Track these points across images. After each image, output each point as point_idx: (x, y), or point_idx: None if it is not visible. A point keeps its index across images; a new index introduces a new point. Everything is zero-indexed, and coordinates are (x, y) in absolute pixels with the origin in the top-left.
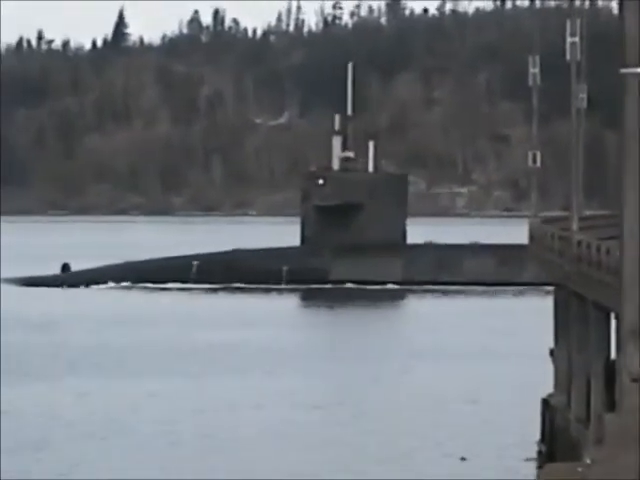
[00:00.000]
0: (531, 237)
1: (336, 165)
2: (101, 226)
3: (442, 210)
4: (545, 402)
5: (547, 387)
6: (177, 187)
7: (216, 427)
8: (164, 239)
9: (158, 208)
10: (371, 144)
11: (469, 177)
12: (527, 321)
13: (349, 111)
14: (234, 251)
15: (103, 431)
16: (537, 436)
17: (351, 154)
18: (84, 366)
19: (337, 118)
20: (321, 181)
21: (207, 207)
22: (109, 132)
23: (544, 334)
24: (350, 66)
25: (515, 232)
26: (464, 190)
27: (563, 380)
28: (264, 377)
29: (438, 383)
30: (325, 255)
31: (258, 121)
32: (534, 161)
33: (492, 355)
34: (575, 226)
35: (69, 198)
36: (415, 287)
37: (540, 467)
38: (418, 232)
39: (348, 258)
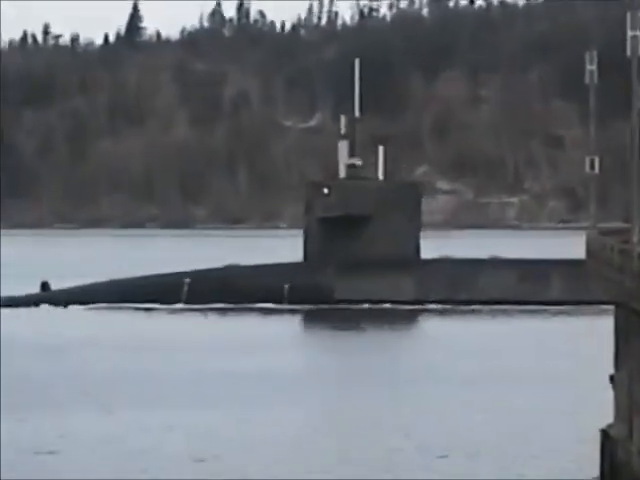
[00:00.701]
0: (588, 251)
1: (342, 173)
2: (113, 240)
3: (491, 222)
4: (604, 433)
5: (605, 417)
6: (198, 197)
7: (228, 467)
8: (182, 254)
9: (177, 220)
10: (381, 149)
11: (520, 185)
12: (563, 343)
13: (357, 112)
14: (229, 267)
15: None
16: (596, 471)
17: (358, 161)
18: (74, 399)
19: (343, 120)
20: (326, 190)
21: (232, 219)
22: (122, 136)
23: (585, 357)
24: (357, 62)
25: (571, 245)
26: (515, 200)
27: (624, 409)
28: (267, 408)
29: (471, 414)
30: (330, 272)
31: (287, 124)
32: (592, 167)
33: (532, 381)
34: (637, 238)
35: (78, 209)
36: (429, 307)
37: None
38: (462, 245)
39: (355, 275)
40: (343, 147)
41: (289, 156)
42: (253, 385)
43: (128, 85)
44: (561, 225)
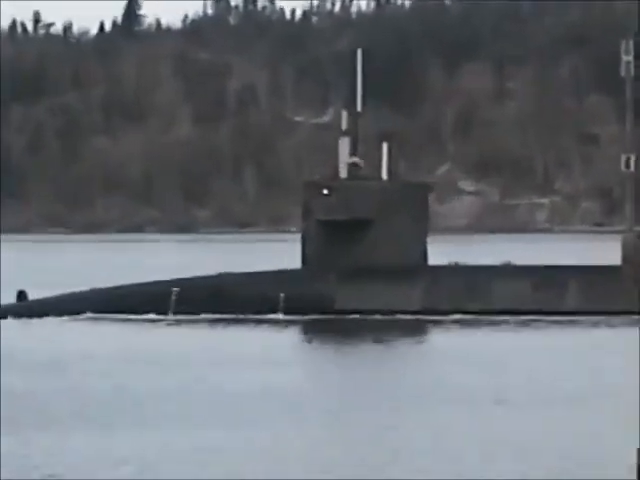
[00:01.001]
0: (624, 256)
1: (343, 172)
2: (108, 246)
3: (519, 225)
4: None
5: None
6: (201, 199)
7: None
8: (182, 260)
9: (179, 224)
10: (385, 146)
11: (551, 186)
12: (586, 357)
13: (358, 107)
14: (221, 276)
15: None
16: None
17: (359, 160)
18: (73, 418)
19: (344, 115)
20: (325, 191)
21: (238, 223)
22: (119, 134)
23: (610, 371)
24: (359, 52)
25: (605, 250)
26: (545, 201)
27: None
28: (265, 430)
29: (492, 436)
30: (330, 280)
31: (298, 119)
32: (628, 165)
33: (556, 399)
34: None
35: (72, 213)
36: (437, 317)
37: None
38: (483, 251)
39: (357, 283)
40: (344, 144)
41: (300, 155)
42: (250, 404)
43: (125, 78)
44: (596, 228)
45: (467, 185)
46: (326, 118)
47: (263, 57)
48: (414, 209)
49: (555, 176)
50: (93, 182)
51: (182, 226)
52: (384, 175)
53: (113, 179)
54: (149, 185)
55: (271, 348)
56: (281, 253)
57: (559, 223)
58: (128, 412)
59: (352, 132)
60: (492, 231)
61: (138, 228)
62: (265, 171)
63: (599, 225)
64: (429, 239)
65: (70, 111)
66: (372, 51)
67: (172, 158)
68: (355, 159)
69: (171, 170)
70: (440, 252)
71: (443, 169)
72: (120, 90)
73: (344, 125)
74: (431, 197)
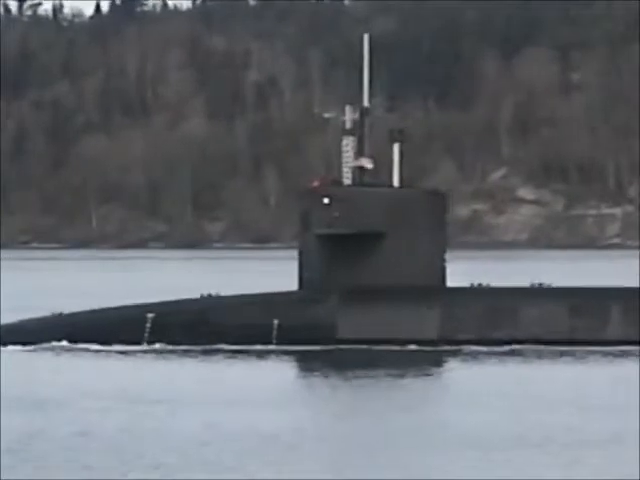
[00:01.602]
0: None
1: (348, 178)
2: (105, 265)
3: (586, 240)
4: None
5: None
6: (215, 210)
7: None
8: (184, 282)
9: (188, 239)
10: (396, 147)
11: (624, 194)
12: (623, 396)
13: (365, 101)
14: (204, 299)
15: None
16: None
17: (368, 163)
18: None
19: (348, 111)
20: (326, 200)
21: (256, 237)
22: (119, 132)
23: None
24: (366, 38)
25: None
26: (617, 211)
27: None
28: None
29: None
30: (331, 303)
31: (327, 115)
32: None
33: (586, 443)
34: None
35: (63, 225)
36: (457, 348)
37: None
38: (548, 270)
39: (363, 308)
40: (348, 145)
41: (329, 157)
42: (239, 452)
43: (126, 68)
44: None
45: (526, 193)
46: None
47: (287, 43)
48: (431, 221)
49: (628, 182)
50: (87, 190)
51: (191, 241)
52: (395, 181)
53: (111, 186)
54: (153, 193)
55: (261, 385)
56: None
57: (632, 237)
58: (115, 457)
59: (358, 131)
60: (554, 246)
61: (140, 244)
62: (288, 176)
63: None
64: (478, 255)
65: (60, 106)
66: (415, 37)
67: (180, 161)
68: (362, 161)
69: (179, 175)
70: (485, 271)
71: (498, 174)
72: (119, 81)
73: (347, 123)
74: (485, 207)
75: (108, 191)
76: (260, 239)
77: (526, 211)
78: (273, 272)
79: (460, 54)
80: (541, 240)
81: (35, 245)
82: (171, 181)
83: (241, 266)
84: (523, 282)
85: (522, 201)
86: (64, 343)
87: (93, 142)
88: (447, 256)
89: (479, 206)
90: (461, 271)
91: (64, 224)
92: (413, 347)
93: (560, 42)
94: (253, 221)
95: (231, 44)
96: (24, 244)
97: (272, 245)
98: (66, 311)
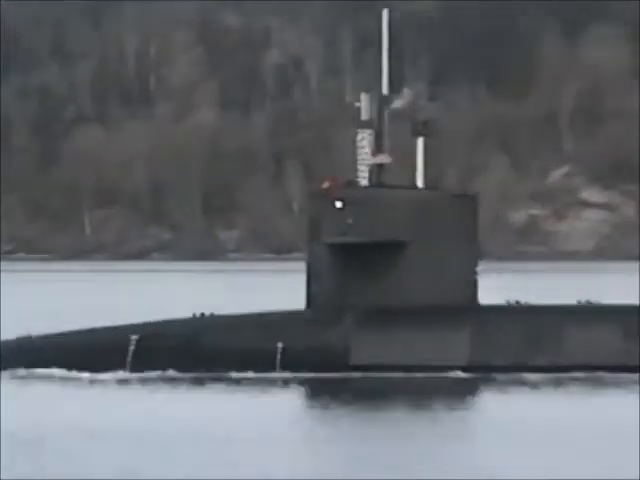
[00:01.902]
0: None
1: (364, 178)
2: (99, 278)
3: None
4: None
5: None
6: (229, 214)
7: None
8: (185, 299)
9: (198, 248)
10: (420, 142)
11: None
12: None
13: (384, 89)
14: (197, 319)
15: None
16: None
17: (387, 158)
18: None
19: (364, 99)
20: (339, 204)
21: (278, 247)
22: (116, 125)
23: None
24: (385, 14)
25: None
26: None
27: None
28: None
29: None
30: (344, 324)
31: (359, 105)
32: None
33: None
34: None
35: (52, 233)
36: (490, 375)
37: None
38: (615, 285)
39: (381, 330)
40: (364, 139)
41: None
42: None
43: (125, 49)
44: None
45: (592, 195)
46: (399, 103)
47: (313, 21)
48: (460, 228)
49: None
50: (80, 191)
51: (201, 252)
52: (419, 182)
53: (108, 187)
54: (157, 196)
55: (264, 419)
56: None
57: None
58: None
59: (376, 123)
60: (625, 257)
61: (142, 254)
62: (314, 175)
63: None
64: (534, 268)
65: (48, 94)
66: (463, 14)
67: (189, 158)
68: (381, 158)
69: (187, 174)
70: (538, 287)
71: (560, 172)
72: (118, 65)
73: (364, 113)
74: (544, 211)
75: (104, 193)
76: (281, 249)
77: (592, 216)
78: (294, 288)
79: (515, 35)
80: (609, 250)
81: (20, 256)
82: (178, 181)
83: (258, 281)
84: (571, 300)
85: (587, 205)
86: (33, 371)
87: (87, 136)
88: (482, 268)
89: (537, 210)
90: (510, 286)
91: (53, 231)
92: (439, 375)
93: (633, 19)
94: (273, 228)
95: (247, 22)
96: (7, 254)
97: (295, 256)
98: (39, 332)
